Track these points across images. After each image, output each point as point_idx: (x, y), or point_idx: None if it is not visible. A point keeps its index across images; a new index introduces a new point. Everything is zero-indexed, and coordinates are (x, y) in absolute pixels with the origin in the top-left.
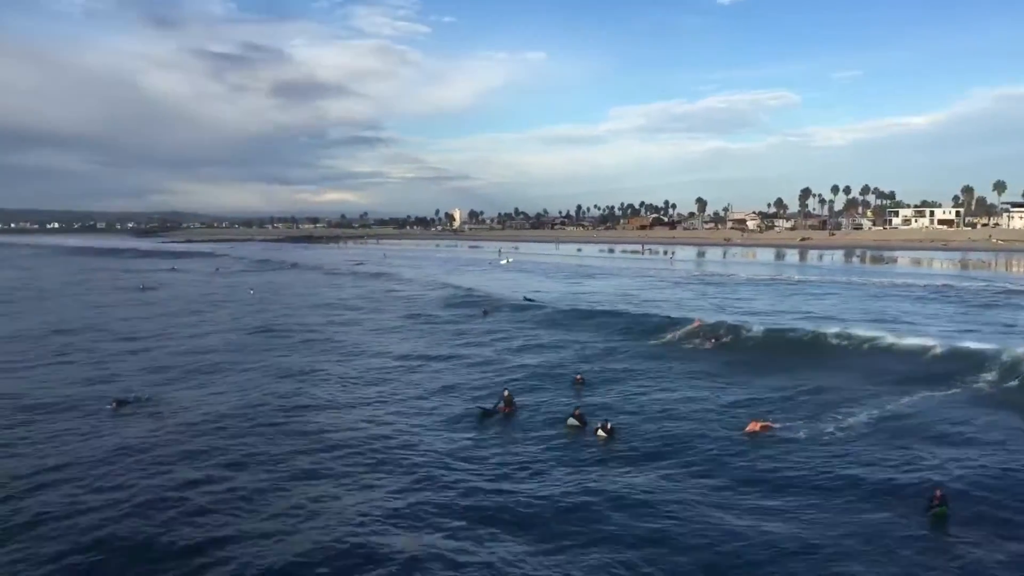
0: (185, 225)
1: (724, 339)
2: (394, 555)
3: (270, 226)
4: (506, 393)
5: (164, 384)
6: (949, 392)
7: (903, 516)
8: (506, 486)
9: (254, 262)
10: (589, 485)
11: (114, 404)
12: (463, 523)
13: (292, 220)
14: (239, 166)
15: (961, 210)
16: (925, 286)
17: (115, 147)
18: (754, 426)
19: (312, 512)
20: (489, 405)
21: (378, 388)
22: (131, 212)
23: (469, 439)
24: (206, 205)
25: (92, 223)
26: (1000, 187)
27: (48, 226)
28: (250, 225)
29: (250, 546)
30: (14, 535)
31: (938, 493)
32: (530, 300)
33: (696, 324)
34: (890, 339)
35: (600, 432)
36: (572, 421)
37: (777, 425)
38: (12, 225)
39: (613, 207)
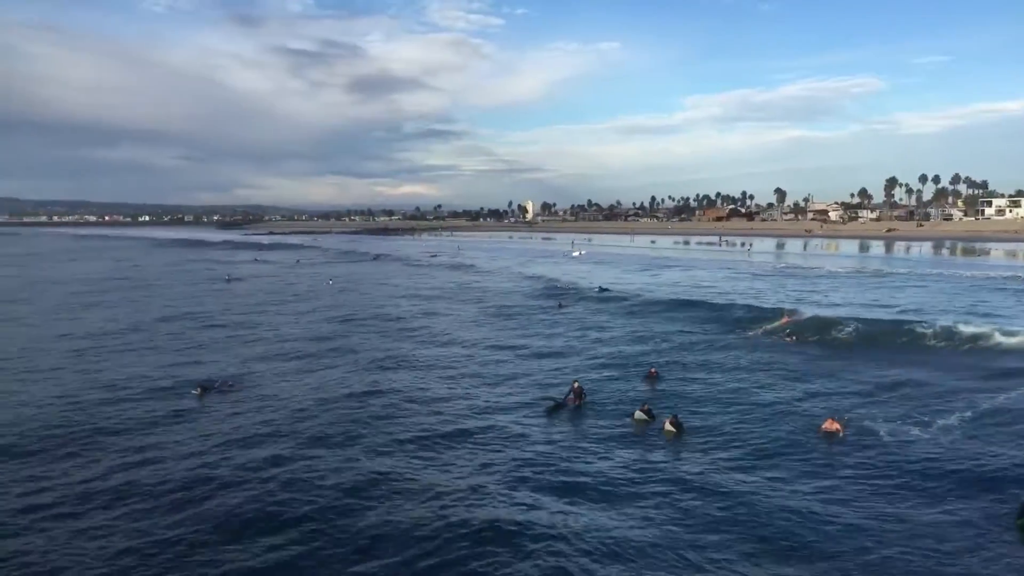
0: (267, 218)
1: (811, 338)
2: (465, 527)
3: (347, 218)
4: (576, 384)
5: (246, 371)
6: None
7: (986, 526)
8: (570, 471)
9: (333, 253)
10: (652, 474)
11: (198, 390)
12: (526, 502)
13: (368, 212)
14: (317, 160)
15: None
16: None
17: (200, 142)
18: (830, 425)
19: (387, 490)
20: (559, 397)
21: (451, 376)
22: (216, 205)
23: (538, 428)
24: (286, 198)
25: (180, 216)
26: None
27: (140, 219)
28: (328, 218)
29: (328, 523)
30: (102, 510)
31: None
32: (605, 290)
33: (784, 320)
34: (997, 336)
35: (668, 426)
36: (639, 415)
37: (848, 428)
38: (106, 218)
39: (688, 198)
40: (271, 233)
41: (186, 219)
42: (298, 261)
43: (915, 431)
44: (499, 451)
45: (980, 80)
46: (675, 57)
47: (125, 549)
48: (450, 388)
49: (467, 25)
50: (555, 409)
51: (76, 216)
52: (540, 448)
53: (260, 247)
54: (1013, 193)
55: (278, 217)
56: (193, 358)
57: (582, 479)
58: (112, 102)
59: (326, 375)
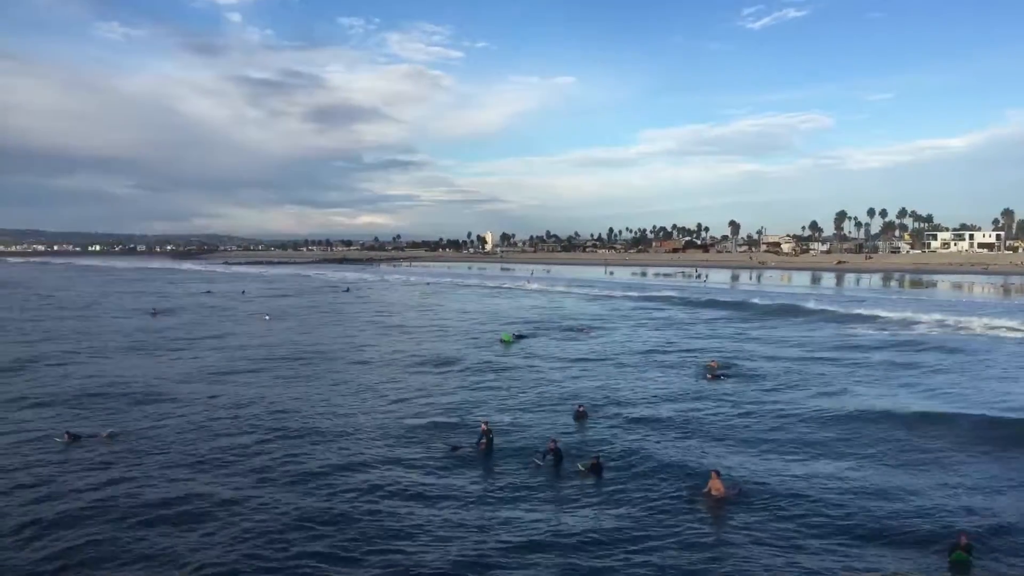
0: (222, 248)
1: (727, 374)
2: None
3: (305, 248)
4: (484, 427)
5: (125, 416)
6: None
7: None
8: (464, 523)
9: (283, 284)
10: (551, 523)
11: (66, 437)
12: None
13: (326, 243)
14: (275, 189)
15: (1002, 233)
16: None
17: (155, 171)
18: (717, 487)
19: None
20: (464, 442)
21: (364, 417)
22: (170, 235)
23: (441, 472)
24: (242, 228)
25: (133, 246)
26: None
27: (90, 248)
28: (285, 248)
29: None
30: None
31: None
32: (521, 336)
33: (711, 363)
34: None
35: (580, 467)
36: (546, 458)
37: (735, 490)
38: (55, 247)
39: (645, 230)
40: (226, 263)
41: (139, 248)
42: (244, 292)
43: (824, 477)
44: (390, 498)
45: (923, 118)
46: (630, 92)
47: None
48: (356, 431)
49: (427, 57)
50: (454, 451)
51: (24, 245)
52: (432, 501)
53: (210, 278)
54: (957, 227)
55: (234, 247)
56: (70, 401)
57: (469, 536)
58: (66, 129)
59: (225, 419)
